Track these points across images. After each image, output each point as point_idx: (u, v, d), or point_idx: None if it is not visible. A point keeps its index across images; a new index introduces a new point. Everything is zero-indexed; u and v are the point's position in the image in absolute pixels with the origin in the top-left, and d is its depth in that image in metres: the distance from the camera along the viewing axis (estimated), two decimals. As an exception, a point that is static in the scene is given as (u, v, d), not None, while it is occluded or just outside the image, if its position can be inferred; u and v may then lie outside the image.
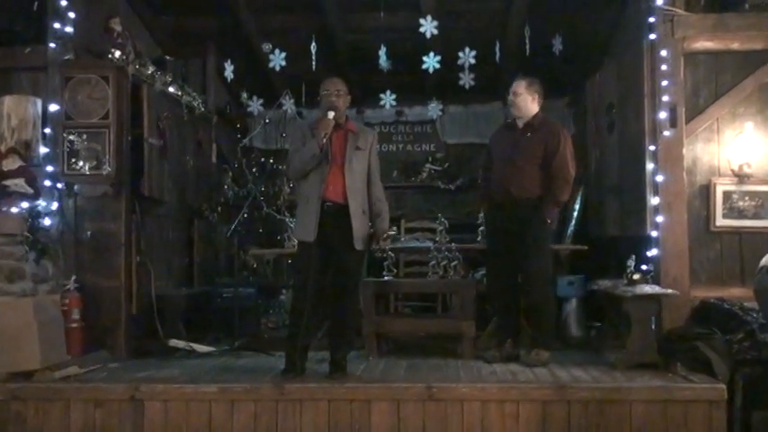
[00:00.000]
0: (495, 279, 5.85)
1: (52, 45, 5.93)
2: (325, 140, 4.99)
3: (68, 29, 5.93)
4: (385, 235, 5.25)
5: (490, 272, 5.96)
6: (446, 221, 6.46)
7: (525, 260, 5.51)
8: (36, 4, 6.06)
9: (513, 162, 5.54)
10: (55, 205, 5.87)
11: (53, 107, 5.90)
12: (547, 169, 5.49)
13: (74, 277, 5.76)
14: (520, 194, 5.49)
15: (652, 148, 5.79)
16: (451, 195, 9.25)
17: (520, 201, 5.49)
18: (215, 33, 8.33)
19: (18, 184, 5.59)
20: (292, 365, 5.12)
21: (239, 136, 8.96)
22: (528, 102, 5.61)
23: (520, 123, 5.66)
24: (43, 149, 5.93)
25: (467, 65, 7.38)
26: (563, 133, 5.63)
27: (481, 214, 6.32)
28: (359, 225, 5.08)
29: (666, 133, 5.64)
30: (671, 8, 5.63)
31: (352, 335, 5.45)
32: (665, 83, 5.64)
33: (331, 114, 5.04)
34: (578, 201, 7.85)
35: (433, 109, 8.99)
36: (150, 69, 6.64)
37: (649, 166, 5.84)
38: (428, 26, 6.92)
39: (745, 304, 5.22)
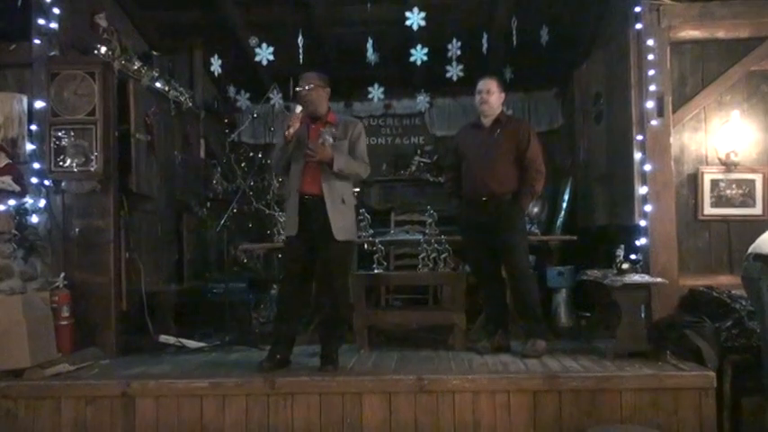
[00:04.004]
0: (478, 273, 5.91)
1: (37, 41, 5.88)
2: (291, 131, 5.03)
3: (53, 25, 5.88)
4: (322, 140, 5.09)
5: (473, 267, 6.01)
6: (435, 214, 6.47)
7: (508, 252, 5.59)
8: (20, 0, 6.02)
9: (490, 160, 5.58)
10: (42, 202, 5.84)
11: (39, 104, 5.86)
12: (520, 163, 5.58)
13: (63, 274, 5.73)
14: (500, 190, 5.54)
15: (639, 137, 5.82)
16: (441, 188, 9.23)
17: (500, 196, 5.55)
18: (201, 28, 8.28)
19: (5, 181, 5.57)
20: (272, 356, 5.17)
21: (227, 131, 8.96)
22: (499, 100, 5.70)
23: (487, 122, 5.72)
24: (30, 146, 5.89)
25: (454, 57, 7.38)
26: (530, 127, 5.85)
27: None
28: (337, 215, 5.07)
29: (654, 122, 5.66)
30: (657, -3, 5.65)
31: (342, 328, 5.43)
32: (651, 72, 5.67)
33: (298, 109, 5.09)
34: (567, 191, 7.87)
35: (422, 101, 9.00)
36: (137, 65, 6.62)
37: (637, 155, 5.86)
38: (415, 18, 6.90)
39: (734, 292, 5.25)
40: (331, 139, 5.08)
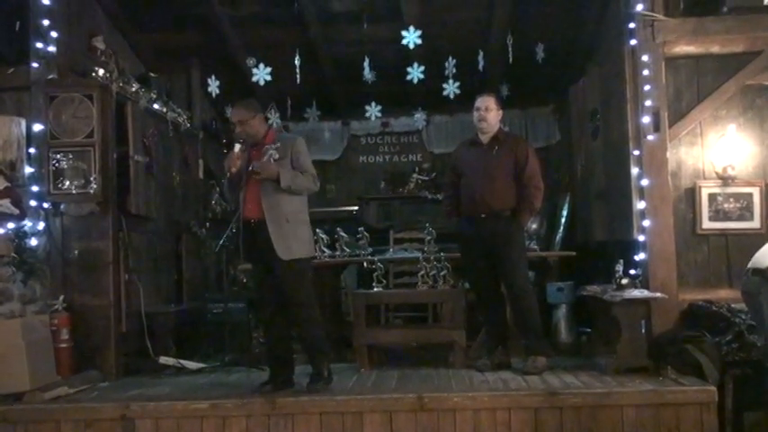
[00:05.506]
0: (478, 290, 5.91)
1: (35, 65, 5.92)
2: (234, 171, 5.02)
3: (51, 48, 5.91)
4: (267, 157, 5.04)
5: (472, 284, 6.00)
6: (434, 231, 6.47)
7: (508, 269, 5.59)
8: (18, 24, 6.05)
9: (489, 177, 5.59)
10: (41, 225, 5.85)
11: (37, 127, 5.89)
12: (519, 180, 5.58)
13: (62, 297, 5.73)
14: (499, 207, 5.55)
15: (636, 152, 5.83)
16: (439, 205, 9.21)
17: (498, 213, 5.56)
18: (199, 49, 8.32)
19: (3, 205, 5.58)
20: (271, 378, 5.18)
21: (225, 151, 8.95)
22: (497, 117, 5.71)
23: (485, 139, 5.72)
24: (28, 169, 5.91)
25: (450, 75, 7.41)
26: (528, 144, 5.91)
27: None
28: (280, 236, 4.96)
29: (650, 138, 5.68)
30: (651, 13, 5.68)
31: (320, 343, 5.20)
32: (647, 87, 5.69)
33: (237, 147, 5.05)
34: (565, 207, 7.88)
35: (419, 119, 9.03)
36: (134, 86, 6.64)
37: (634, 170, 5.87)
38: (411, 37, 6.95)
39: (733, 306, 5.25)
40: (276, 155, 5.01)
